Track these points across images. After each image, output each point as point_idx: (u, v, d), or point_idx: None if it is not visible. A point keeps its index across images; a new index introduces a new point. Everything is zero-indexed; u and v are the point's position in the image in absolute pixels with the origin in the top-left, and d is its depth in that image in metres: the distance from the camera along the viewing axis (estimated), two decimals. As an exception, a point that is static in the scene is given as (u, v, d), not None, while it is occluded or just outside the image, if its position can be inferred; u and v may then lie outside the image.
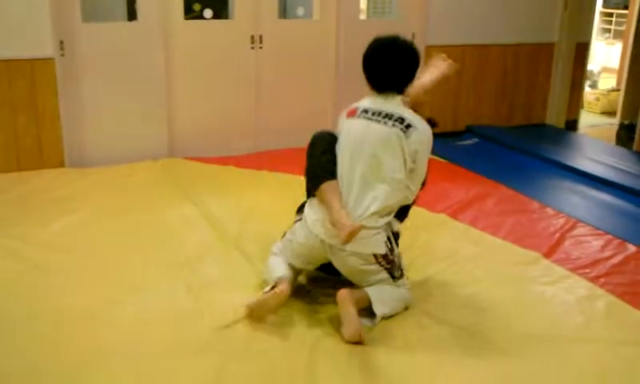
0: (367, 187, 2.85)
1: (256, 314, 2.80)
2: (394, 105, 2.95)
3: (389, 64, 2.95)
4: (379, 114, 2.92)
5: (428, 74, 3.18)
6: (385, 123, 2.89)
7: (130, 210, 4.11)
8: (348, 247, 2.79)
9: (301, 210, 3.10)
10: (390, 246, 2.91)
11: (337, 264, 2.93)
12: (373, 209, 2.82)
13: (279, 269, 3.00)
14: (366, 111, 2.97)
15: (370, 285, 2.90)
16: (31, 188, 4.44)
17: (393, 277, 2.92)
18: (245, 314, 2.80)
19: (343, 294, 2.76)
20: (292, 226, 3.09)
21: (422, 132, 2.90)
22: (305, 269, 3.11)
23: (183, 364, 2.54)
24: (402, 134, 2.85)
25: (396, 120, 2.88)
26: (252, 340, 2.71)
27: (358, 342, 2.67)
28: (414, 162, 2.88)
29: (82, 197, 4.30)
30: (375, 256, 2.85)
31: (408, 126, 2.87)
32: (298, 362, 2.55)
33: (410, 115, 2.92)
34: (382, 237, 2.88)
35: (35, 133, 4.76)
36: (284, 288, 2.84)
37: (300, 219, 3.02)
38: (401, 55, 2.96)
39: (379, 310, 2.83)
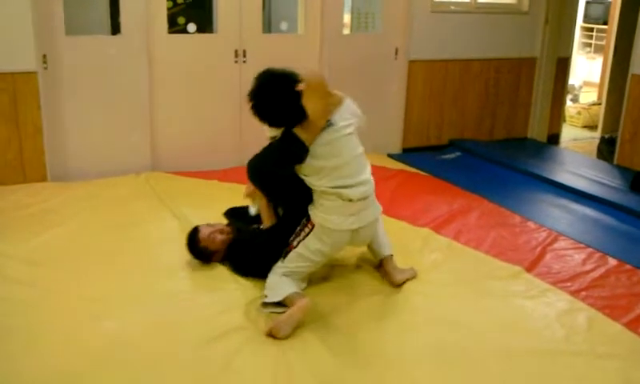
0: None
1: (282, 331, 2.83)
2: None
3: (266, 114, 3.08)
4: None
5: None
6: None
7: (112, 224, 4.10)
8: (372, 216, 3.21)
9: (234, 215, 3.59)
10: None
11: (360, 240, 3.28)
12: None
13: (289, 286, 3.07)
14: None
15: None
16: (12, 202, 4.41)
17: None
18: (269, 333, 2.84)
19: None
20: (296, 244, 3.17)
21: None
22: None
23: (165, 377, 2.54)
24: None
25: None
26: (237, 353, 2.71)
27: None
28: None
29: (63, 211, 4.27)
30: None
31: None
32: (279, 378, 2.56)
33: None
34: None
35: (17, 146, 4.73)
36: (307, 300, 2.97)
37: (306, 231, 3.15)
38: (271, 101, 3.05)
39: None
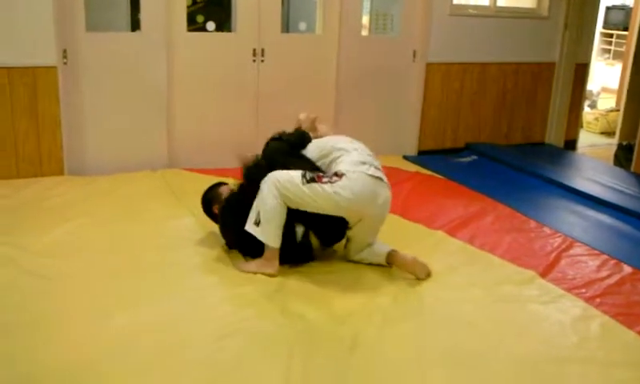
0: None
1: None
2: None
3: None
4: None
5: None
6: None
7: (127, 220, 4.13)
8: (382, 174, 3.48)
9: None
10: None
11: (381, 203, 3.43)
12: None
13: (279, 232, 3.36)
14: None
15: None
16: (30, 195, 4.45)
17: None
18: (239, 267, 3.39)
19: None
20: (326, 180, 3.35)
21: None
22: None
23: (176, 373, 2.55)
24: None
25: None
26: (249, 350, 2.71)
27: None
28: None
29: (79, 205, 4.31)
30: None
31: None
32: (291, 377, 2.56)
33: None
34: None
35: (36, 140, 4.78)
36: (275, 272, 3.39)
37: (337, 177, 3.35)
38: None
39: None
